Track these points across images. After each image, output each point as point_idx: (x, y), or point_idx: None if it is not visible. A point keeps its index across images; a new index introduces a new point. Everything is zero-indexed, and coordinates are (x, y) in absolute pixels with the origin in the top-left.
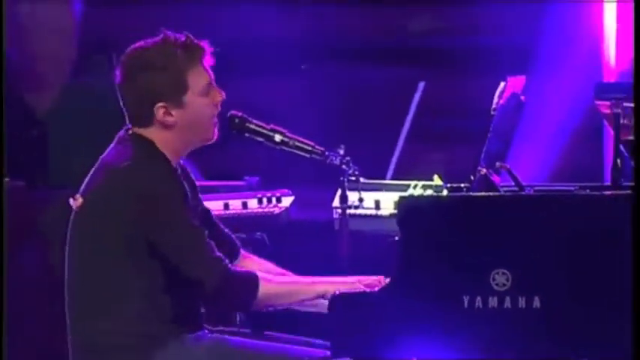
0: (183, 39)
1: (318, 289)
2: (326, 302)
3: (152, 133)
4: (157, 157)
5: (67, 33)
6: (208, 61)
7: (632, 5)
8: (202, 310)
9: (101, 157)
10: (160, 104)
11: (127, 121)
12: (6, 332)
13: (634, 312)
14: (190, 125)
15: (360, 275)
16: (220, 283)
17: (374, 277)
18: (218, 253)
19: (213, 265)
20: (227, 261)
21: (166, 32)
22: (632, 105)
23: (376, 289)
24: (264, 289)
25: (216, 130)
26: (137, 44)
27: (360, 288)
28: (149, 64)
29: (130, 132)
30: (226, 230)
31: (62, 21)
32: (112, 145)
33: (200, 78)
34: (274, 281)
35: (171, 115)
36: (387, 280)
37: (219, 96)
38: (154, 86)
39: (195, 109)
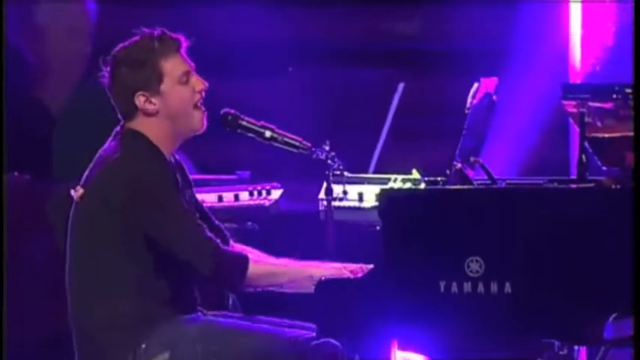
0: (158, 33)
1: (305, 272)
2: (312, 285)
3: (140, 124)
4: (146, 147)
5: (78, 36)
6: (184, 51)
7: (596, 11)
8: (196, 293)
9: (99, 151)
10: (140, 93)
11: (121, 117)
12: (6, 326)
13: (634, 311)
14: (173, 113)
15: (344, 263)
16: (212, 262)
17: (357, 265)
18: (209, 234)
19: (204, 245)
20: (218, 241)
21: (144, 30)
22: (597, 105)
23: (359, 275)
24: (253, 268)
25: (204, 120)
26: (120, 44)
27: (345, 274)
28: (128, 59)
29: (124, 127)
30: (217, 222)
31: (73, 26)
32: (108, 140)
33: (176, 67)
34: (264, 262)
35: (152, 103)
36: (369, 267)
37: (201, 84)
38: (133, 78)
39: (174, 96)
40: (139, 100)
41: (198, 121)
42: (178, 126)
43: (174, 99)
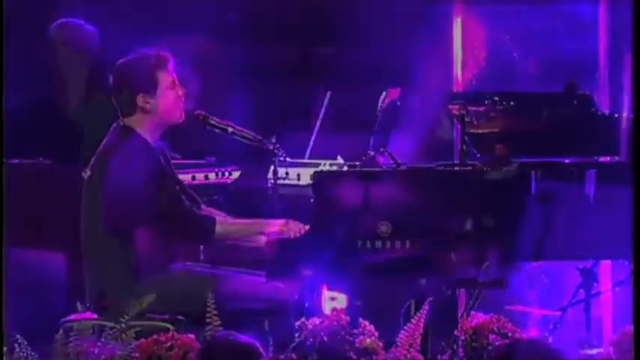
0: (154, 51)
1: (258, 228)
2: (263, 240)
3: (134, 120)
4: (134, 139)
5: (86, 53)
6: (172, 66)
7: (473, 39)
8: (176, 249)
9: (102, 143)
10: (140, 94)
11: (119, 115)
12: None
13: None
14: (163, 110)
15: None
16: (187, 222)
17: (300, 225)
18: (185, 203)
19: (180, 209)
20: (193, 208)
21: (144, 49)
22: (473, 108)
23: (299, 234)
24: (220, 227)
25: (182, 114)
26: (123, 59)
27: (288, 230)
28: (133, 69)
29: (119, 123)
30: (191, 191)
31: (81, 44)
32: (108, 134)
33: (167, 77)
34: (228, 221)
35: (148, 102)
36: (307, 227)
37: (181, 90)
38: (136, 83)
39: (164, 98)
40: (139, 99)
41: (179, 115)
42: (165, 119)
43: (165, 99)
